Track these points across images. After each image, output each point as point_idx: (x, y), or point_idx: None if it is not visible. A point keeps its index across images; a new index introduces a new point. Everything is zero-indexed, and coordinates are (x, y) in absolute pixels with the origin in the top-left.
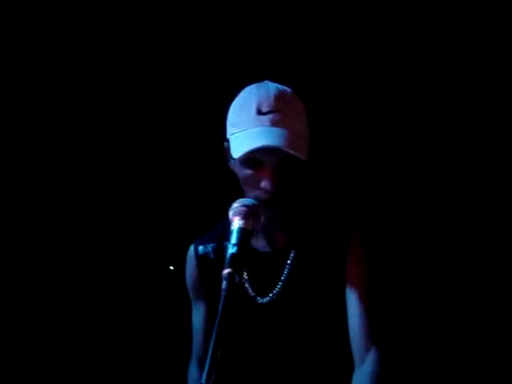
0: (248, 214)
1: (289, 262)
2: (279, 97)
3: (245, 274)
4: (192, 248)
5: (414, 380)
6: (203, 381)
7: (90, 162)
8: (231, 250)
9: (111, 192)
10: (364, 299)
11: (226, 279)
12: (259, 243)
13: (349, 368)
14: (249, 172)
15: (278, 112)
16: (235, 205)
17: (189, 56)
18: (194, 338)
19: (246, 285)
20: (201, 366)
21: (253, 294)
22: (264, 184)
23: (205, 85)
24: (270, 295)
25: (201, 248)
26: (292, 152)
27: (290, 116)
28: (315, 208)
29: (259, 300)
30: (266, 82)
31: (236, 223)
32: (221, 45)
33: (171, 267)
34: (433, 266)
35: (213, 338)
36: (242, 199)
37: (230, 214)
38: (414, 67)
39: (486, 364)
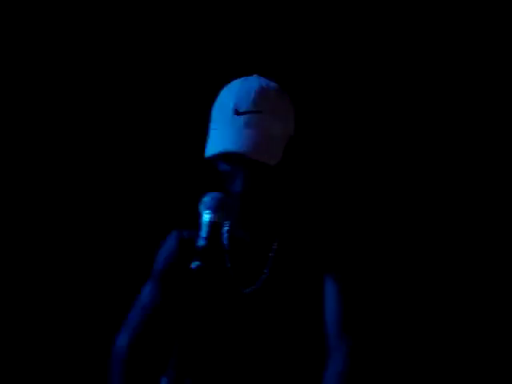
0: (218, 207)
1: (272, 253)
2: (260, 96)
3: (228, 263)
4: (176, 231)
5: (388, 374)
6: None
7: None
8: (200, 242)
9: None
10: (343, 290)
11: (194, 272)
12: (242, 233)
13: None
14: (224, 167)
15: (255, 113)
16: (205, 198)
17: (179, 48)
18: (135, 311)
19: (230, 274)
20: (133, 341)
21: (236, 283)
22: (237, 180)
23: (193, 78)
24: (254, 285)
25: (186, 233)
26: (260, 159)
27: (270, 117)
28: (298, 200)
29: (243, 290)
30: (253, 76)
31: (205, 216)
32: (212, 37)
33: None
34: (412, 263)
35: (181, 330)
36: (212, 192)
37: (200, 207)
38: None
39: (466, 359)
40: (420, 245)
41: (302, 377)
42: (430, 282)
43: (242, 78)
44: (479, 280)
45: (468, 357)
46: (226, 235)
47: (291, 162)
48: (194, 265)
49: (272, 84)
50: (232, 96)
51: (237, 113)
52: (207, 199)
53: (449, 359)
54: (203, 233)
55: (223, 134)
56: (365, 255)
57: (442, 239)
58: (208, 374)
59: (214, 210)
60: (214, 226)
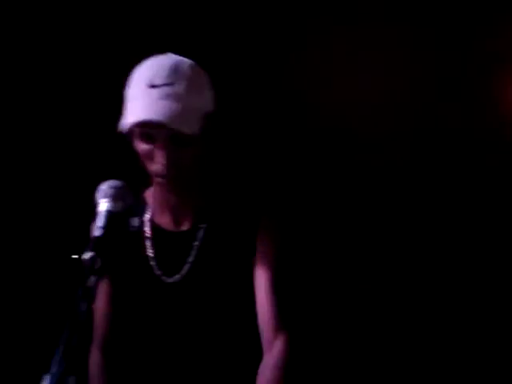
0: (116, 197)
1: (196, 241)
2: (175, 69)
3: (151, 252)
4: None
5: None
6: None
7: None
8: (96, 232)
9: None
10: (273, 281)
11: (86, 263)
12: (165, 221)
13: (259, 351)
14: (144, 147)
15: (171, 85)
16: (102, 186)
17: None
18: (95, 318)
19: (152, 263)
20: (101, 350)
21: (159, 272)
22: (157, 159)
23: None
24: (178, 275)
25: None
26: (176, 127)
27: (185, 89)
28: (224, 186)
29: (167, 279)
30: (166, 54)
31: (103, 206)
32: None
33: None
34: (345, 252)
35: (67, 324)
36: (111, 180)
37: (97, 195)
38: None
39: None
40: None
41: (235, 369)
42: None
43: (156, 56)
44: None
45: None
46: (147, 223)
47: (212, 142)
48: (87, 255)
49: (186, 60)
50: (146, 72)
51: (152, 86)
52: (104, 187)
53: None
54: (99, 222)
55: (138, 105)
56: (295, 241)
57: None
58: (132, 368)
59: (112, 198)
60: (112, 216)
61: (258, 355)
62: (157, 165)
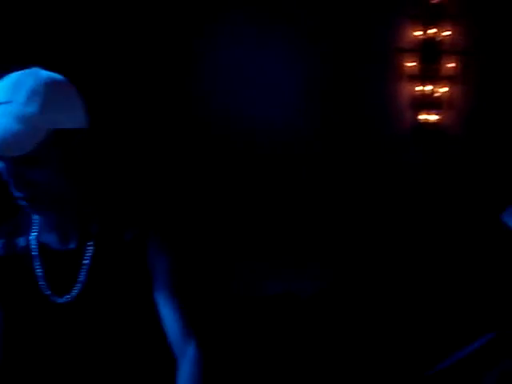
0: None
1: (86, 260)
2: (16, 86)
3: (39, 271)
4: None
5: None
6: None
7: None
8: None
9: None
10: (175, 294)
11: None
12: (52, 239)
13: (158, 369)
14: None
15: (7, 103)
16: None
17: None
18: None
19: (41, 283)
20: None
21: (49, 292)
22: (10, 186)
23: None
24: (69, 295)
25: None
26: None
27: (21, 106)
28: (107, 202)
29: (57, 300)
30: (27, 70)
31: None
32: None
33: None
34: None
35: None
36: None
37: None
38: None
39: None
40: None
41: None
42: None
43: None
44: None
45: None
46: (34, 242)
47: (77, 159)
48: None
49: (41, 75)
50: None
51: None
52: None
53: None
54: None
55: None
56: (187, 254)
57: None
58: None
59: None
60: None
61: (157, 373)
62: (11, 187)
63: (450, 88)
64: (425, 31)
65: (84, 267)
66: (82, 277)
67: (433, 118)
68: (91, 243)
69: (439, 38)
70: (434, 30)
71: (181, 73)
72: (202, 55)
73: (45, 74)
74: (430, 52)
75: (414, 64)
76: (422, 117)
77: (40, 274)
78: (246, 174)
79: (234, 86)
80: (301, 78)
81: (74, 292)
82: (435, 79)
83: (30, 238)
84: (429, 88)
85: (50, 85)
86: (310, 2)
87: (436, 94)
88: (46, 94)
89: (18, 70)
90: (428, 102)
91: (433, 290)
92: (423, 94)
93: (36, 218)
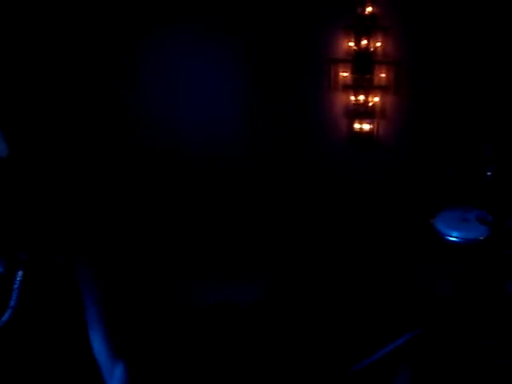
0: None
1: (16, 285)
2: None
3: None
4: None
5: None
6: None
7: None
8: None
9: None
10: (102, 317)
11: None
12: None
13: None
14: None
15: None
16: None
17: None
18: None
19: None
20: None
21: None
22: None
23: None
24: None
25: None
26: None
27: None
28: (32, 226)
29: None
30: None
31: None
32: None
33: None
34: None
35: None
36: None
37: None
38: None
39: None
40: None
41: None
42: None
43: None
44: None
45: None
46: None
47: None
48: None
49: None
50: None
51: None
52: None
53: None
54: None
55: None
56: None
57: None
58: None
59: None
60: None
61: None
62: None
63: (382, 98)
64: (357, 42)
65: (14, 292)
66: (12, 302)
67: (366, 126)
68: (19, 267)
69: (372, 49)
70: (366, 42)
71: (109, 82)
72: (128, 65)
73: None
74: (362, 62)
75: (347, 74)
76: (357, 126)
77: None
78: (175, 183)
79: (165, 95)
80: (235, 88)
81: (5, 317)
82: (368, 89)
83: None
84: (362, 98)
85: None
86: (245, 14)
87: (369, 104)
88: None
89: None
90: (361, 112)
91: (367, 291)
92: (357, 104)
93: None
